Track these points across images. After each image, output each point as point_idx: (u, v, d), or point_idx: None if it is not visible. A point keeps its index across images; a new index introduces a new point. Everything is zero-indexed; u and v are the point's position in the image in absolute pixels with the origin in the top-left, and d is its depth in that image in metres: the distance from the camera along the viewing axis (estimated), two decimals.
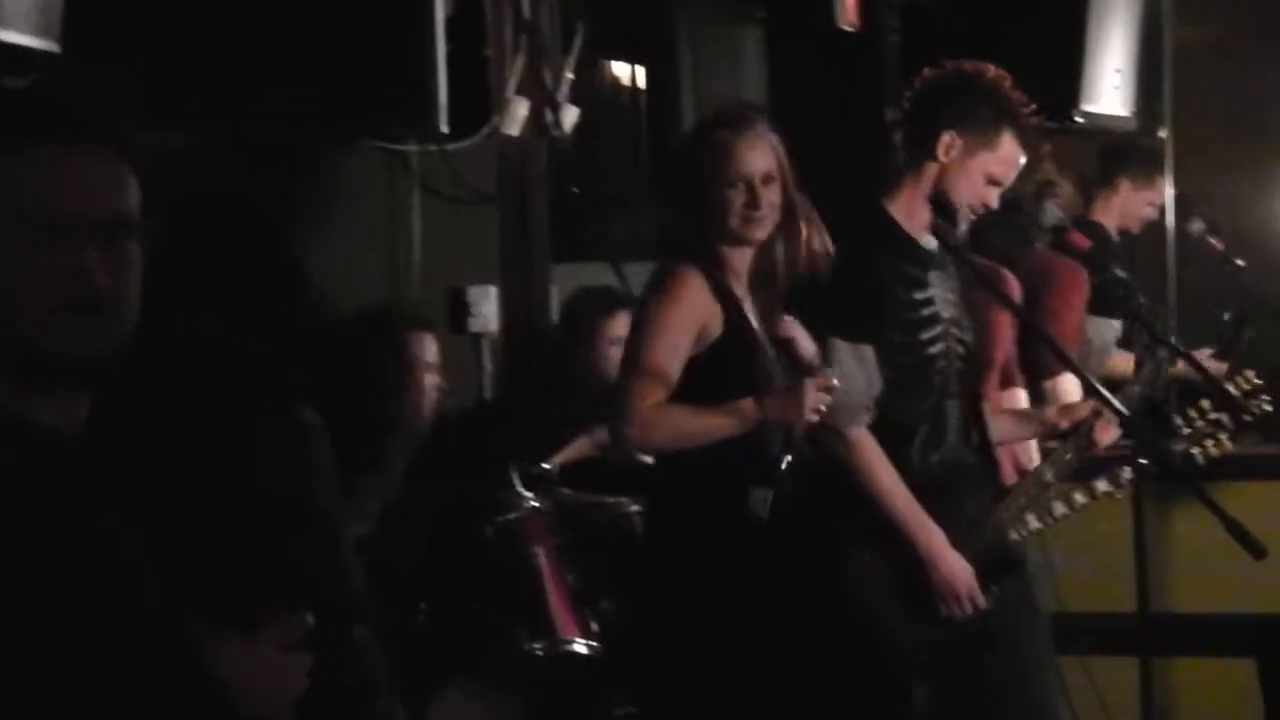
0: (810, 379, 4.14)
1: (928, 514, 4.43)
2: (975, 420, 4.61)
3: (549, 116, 6.06)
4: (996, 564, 4.58)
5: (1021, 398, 5.08)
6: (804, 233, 4.29)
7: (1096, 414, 4.64)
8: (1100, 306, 5.88)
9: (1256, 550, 3.72)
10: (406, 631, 4.82)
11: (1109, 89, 6.46)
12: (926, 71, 4.64)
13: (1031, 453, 4.97)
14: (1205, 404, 4.83)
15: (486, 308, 5.87)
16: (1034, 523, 4.70)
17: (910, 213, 4.52)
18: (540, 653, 4.86)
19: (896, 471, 4.41)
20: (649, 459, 4.58)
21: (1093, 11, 6.44)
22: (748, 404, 4.14)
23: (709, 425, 4.16)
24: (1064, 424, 4.73)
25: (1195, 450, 4.83)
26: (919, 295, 4.49)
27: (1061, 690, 4.80)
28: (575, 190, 6.27)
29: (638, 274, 4.92)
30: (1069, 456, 4.66)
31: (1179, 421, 4.88)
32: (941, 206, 4.48)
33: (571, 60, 6.21)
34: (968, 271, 4.58)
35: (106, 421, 2.40)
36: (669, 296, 4.22)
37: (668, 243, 4.40)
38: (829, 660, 4.41)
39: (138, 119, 4.59)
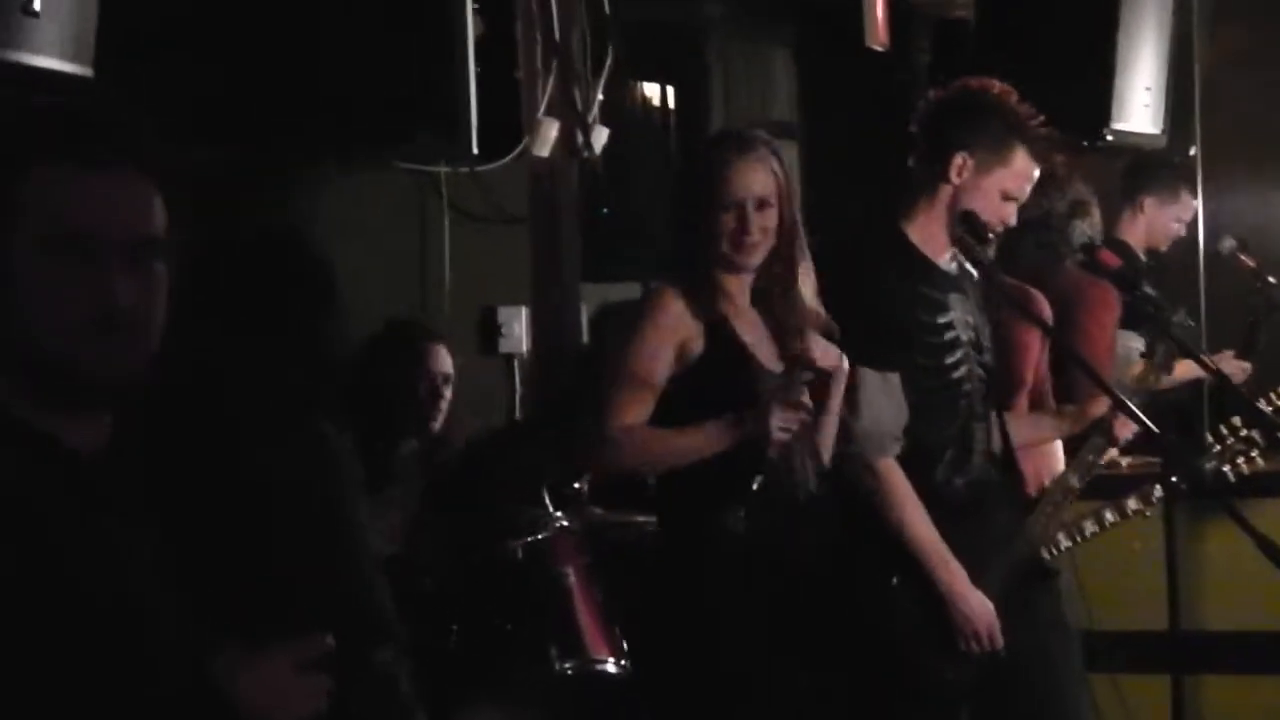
0: (779, 398, 4.09)
1: (956, 535, 4.43)
2: (1000, 434, 4.60)
3: (579, 137, 6.09)
4: (1031, 574, 4.58)
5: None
6: (798, 260, 4.24)
7: (1113, 411, 4.63)
8: (1127, 321, 5.87)
9: None
10: (437, 651, 4.83)
11: (1139, 107, 6.47)
12: (932, 93, 4.64)
13: (1057, 462, 4.95)
14: (1236, 421, 4.82)
15: (517, 328, 5.89)
16: (1065, 541, 4.70)
17: (928, 236, 4.50)
18: (571, 672, 4.87)
19: (923, 496, 4.41)
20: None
21: (1122, 30, 6.45)
22: (715, 424, 4.11)
23: (677, 446, 4.14)
24: (1079, 425, 4.74)
25: (1227, 467, 4.82)
26: (941, 319, 4.47)
27: (1092, 708, 4.80)
28: (605, 211, 6.29)
29: None
30: (1090, 458, 4.65)
31: (1210, 438, 4.87)
32: (971, 226, 4.47)
33: (602, 81, 6.23)
34: (997, 291, 4.57)
35: (137, 437, 2.42)
36: (644, 317, 4.19)
37: (663, 264, 4.39)
38: (845, 686, 4.40)
39: (168, 141, 4.64)
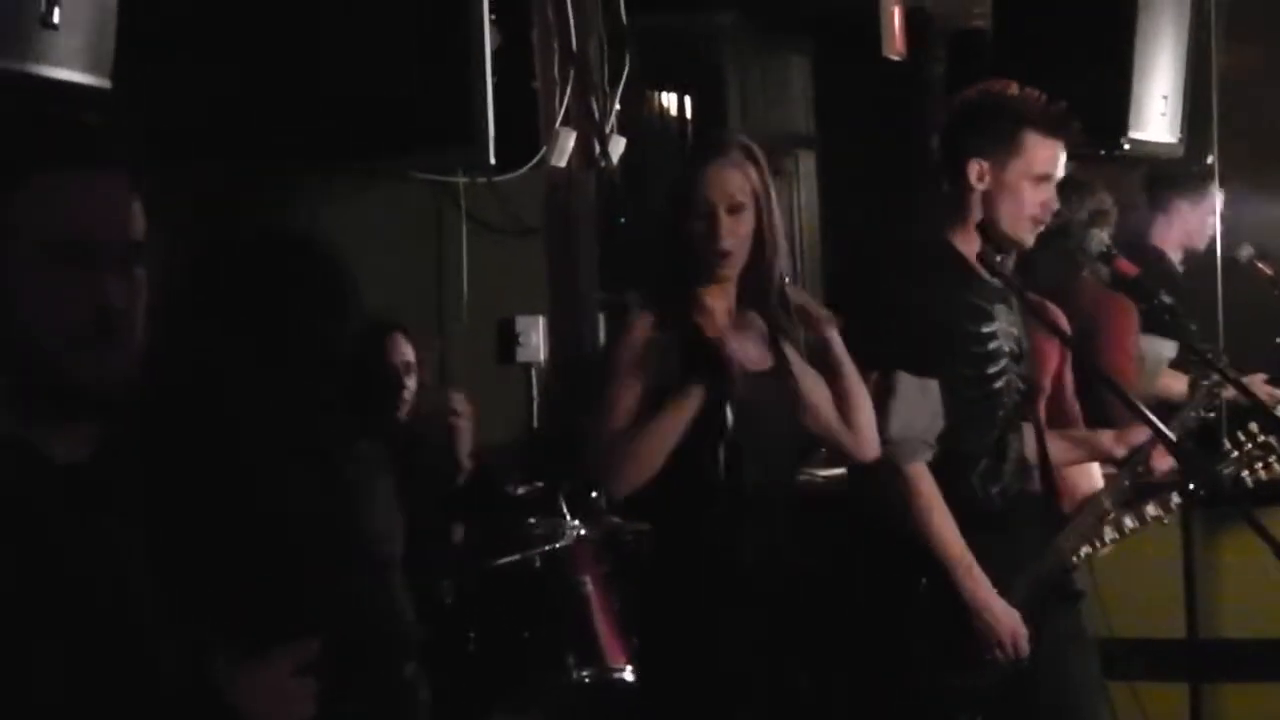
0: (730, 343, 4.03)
1: (987, 545, 4.44)
2: (1038, 448, 4.59)
3: (596, 147, 6.10)
4: (1057, 592, 4.57)
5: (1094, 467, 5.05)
6: (776, 267, 4.18)
7: (1154, 440, 4.64)
8: (1156, 327, 5.86)
9: None
10: (455, 659, 4.84)
11: (1156, 115, 6.46)
12: (946, 113, 4.67)
13: (1094, 478, 4.93)
14: (1254, 427, 4.81)
15: (535, 338, 5.90)
16: (1085, 548, 4.70)
17: (972, 246, 4.51)
18: (588, 680, 4.87)
19: (955, 503, 4.40)
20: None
21: (1139, 38, 6.44)
22: (679, 388, 4.04)
23: (657, 425, 4.05)
24: (1120, 450, 4.72)
25: (1245, 474, 4.81)
26: (985, 329, 4.47)
27: (1111, 716, 4.79)
28: (623, 220, 6.29)
29: None
30: (1126, 483, 4.65)
31: (1228, 445, 4.86)
32: (987, 235, 4.48)
33: (619, 91, 6.24)
34: (1017, 301, 4.56)
35: (130, 444, 2.43)
36: (616, 342, 4.18)
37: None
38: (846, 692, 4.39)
39: (186, 151, 4.65)
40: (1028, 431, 4.60)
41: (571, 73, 6.09)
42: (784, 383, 4.18)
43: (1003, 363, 4.50)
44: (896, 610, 4.46)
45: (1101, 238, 5.15)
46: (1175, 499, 4.73)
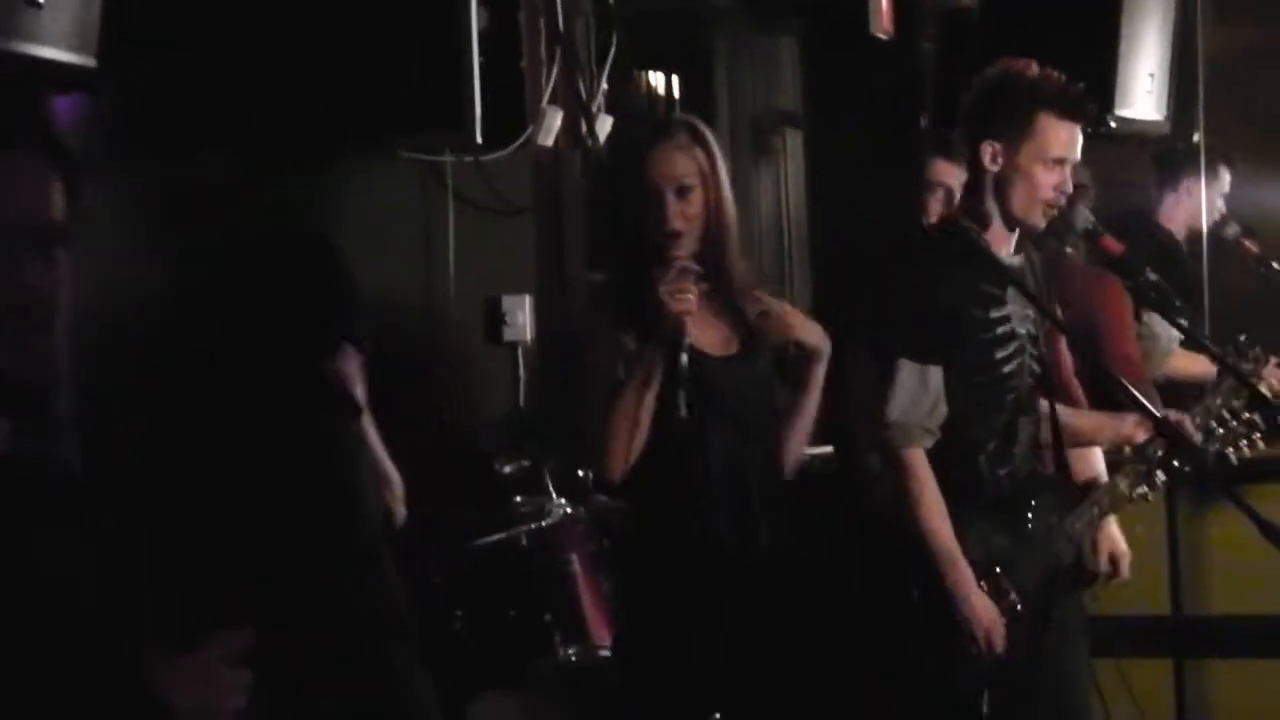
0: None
1: (993, 527, 4.46)
2: (1052, 429, 4.60)
3: (583, 127, 6.09)
4: (1068, 576, 4.58)
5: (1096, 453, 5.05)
6: (729, 247, 4.16)
7: (1178, 424, 4.64)
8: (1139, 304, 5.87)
9: None
10: (443, 638, 4.85)
11: (1142, 93, 6.47)
12: (964, 93, 4.62)
13: (1095, 463, 4.92)
14: (1238, 404, 4.82)
15: (521, 317, 5.90)
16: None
17: (990, 228, 4.49)
18: (575, 659, 4.89)
19: (964, 487, 4.42)
20: None
21: (1126, 16, 6.45)
22: (631, 355, 4.04)
23: (620, 404, 4.02)
24: (1141, 434, 4.71)
25: (1229, 450, 4.82)
26: (995, 314, 4.45)
27: (1096, 692, 4.81)
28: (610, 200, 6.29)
29: None
30: (1144, 468, 4.64)
31: (1212, 422, 4.87)
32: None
33: (606, 70, 6.24)
34: (1019, 291, 4.52)
35: (64, 437, 2.40)
36: (587, 349, 4.19)
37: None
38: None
39: (175, 137, 4.66)
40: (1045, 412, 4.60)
41: (558, 52, 6.08)
42: (752, 366, 4.21)
43: (1013, 347, 4.48)
44: (890, 595, 4.47)
45: (1087, 215, 5.15)
46: (1160, 477, 4.73)
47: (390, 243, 5.74)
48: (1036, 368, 4.54)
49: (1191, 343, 4.96)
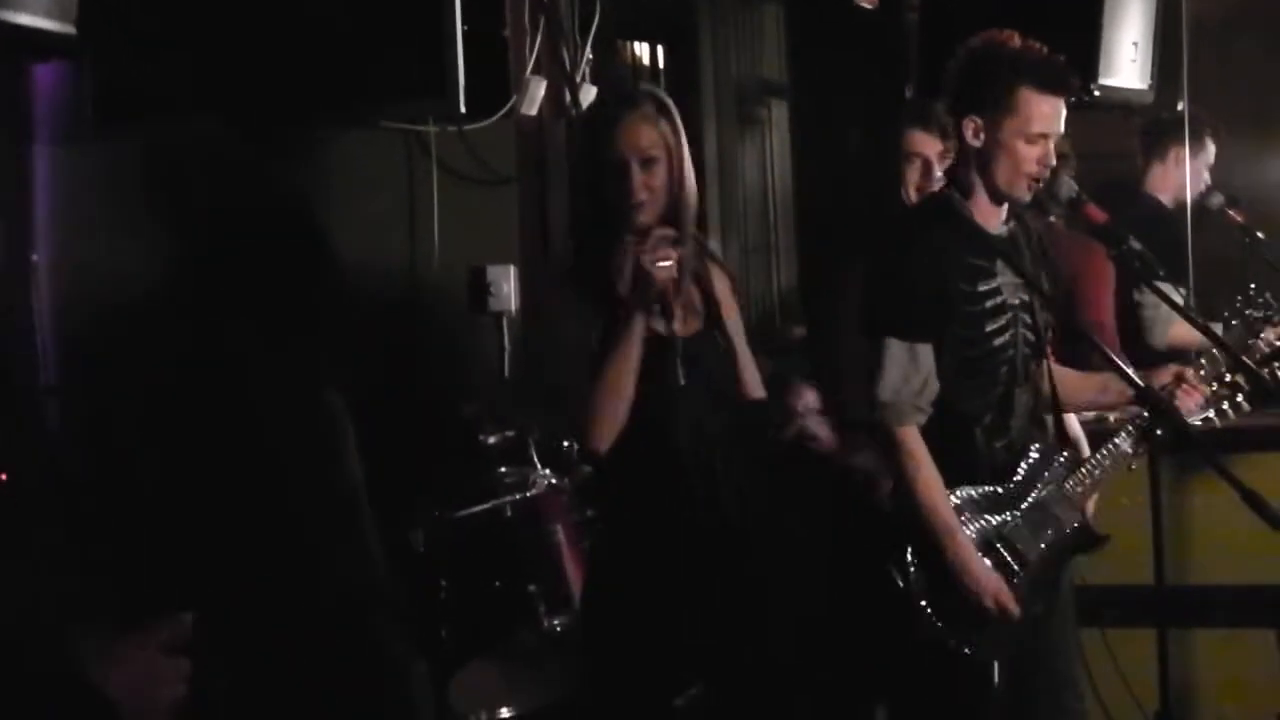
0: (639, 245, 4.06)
1: (992, 500, 4.47)
2: (1050, 396, 4.59)
3: (567, 96, 6.08)
4: (1078, 539, 4.59)
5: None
6: (688, 216, 4.17)
7: (1178, 380, 4.64)
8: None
9: (1274, 521, 3.69)
10: (427, 609, 4.85)
11: (1126, 62, 6.44)
12: (947, 64, 4.59)
13: (1073, 424, 4.93)
14: (1221, 367, 4.83)
15: (506, 287, 5.89)
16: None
17: (975, 202, 4.48)
18: (559, 629, 4.89)
19: (961, 461, 4.43)
20: None
21: None
22: (621, 323, 4.06)
23: (608, 371, 4.04)
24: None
25: (1213, 414, 4.83)
26: (984, 286, 4.45)
27: (1081, 661, 4.82)
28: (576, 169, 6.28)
29: None
30: (1147, 427, 4.63)
31: (1213, 384, 4.87)
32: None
33: (590, 40, 6.22)
34: (1007, 264, 4.51)
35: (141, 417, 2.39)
36: (559, 319, 4.19)
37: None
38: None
39: (158, 104, 4.63)
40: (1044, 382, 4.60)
41: (542, 21, 6.06)
42: (714, 340, 4.22)
43: (1004, 319, 4.47)
44: (875, 572, 4.48)
45: (1070, 184, 5.14)
46: (1143, 445, 4.74)
47: (374, 212, 5.73)
48: (1031, 336, 4.54)
49: (1177, 311, 4.96)
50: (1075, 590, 4.79)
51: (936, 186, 4.92)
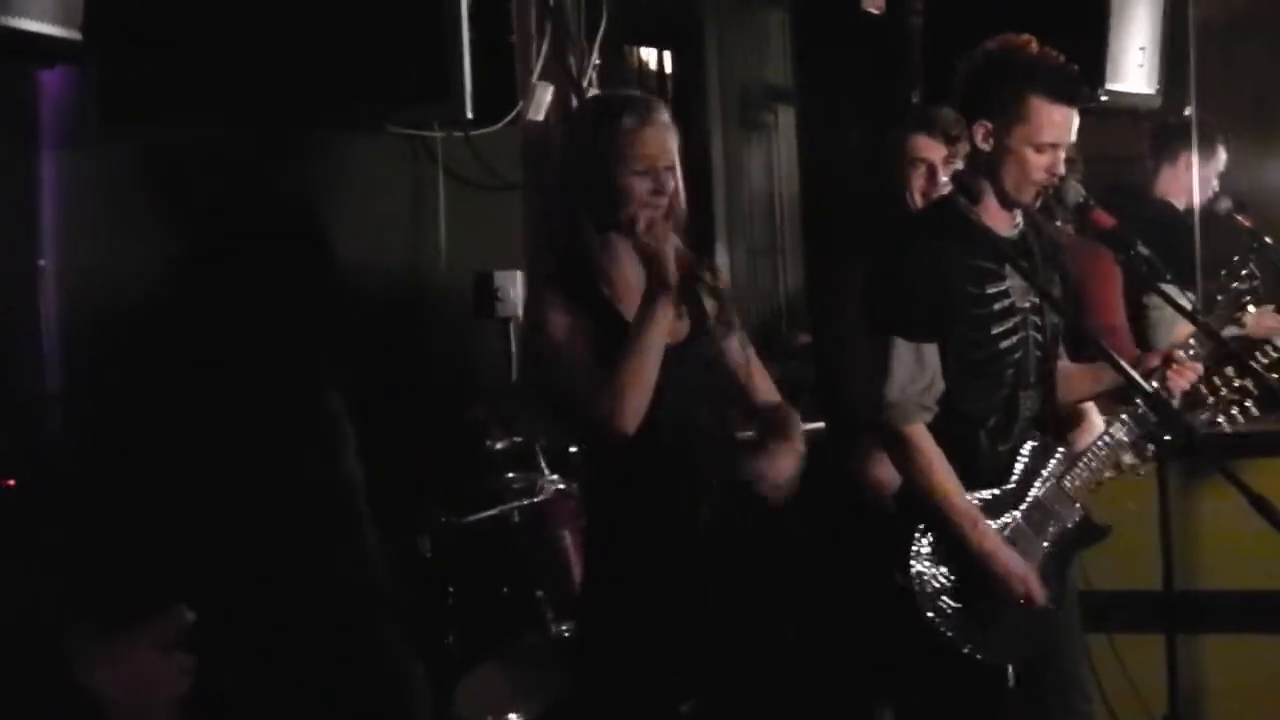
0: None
1: (991, 503, 4.46)
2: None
3: (574, 102, 6.08)
4: (1084, 536, 4.59)
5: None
6: (683, 226, 4.17)
7: (1168, 361, 4.63)
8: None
9: None
10: (435, 614, 4.85)
11: (1133, 67, 6.44)
12: (960, 67, 4.58)
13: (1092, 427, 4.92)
14: (1229, 371, 4.82)
15: (513, 292, 5.89)
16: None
17: (985, 205, 4.46)
18: (567, 635, 4.89)
19: (965, 462, 4.41)
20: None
21: None
22: (645, 303, 4.04)
23: (632, 350, 4.00)
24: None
25: (1220, 418, 4.82)
26: (993, 289, 4.43)
27: (1089, 665, 4.82)
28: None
29: None
30: (1142, 411, 4.62)
31: (1203, 390, 4.86)
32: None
33: (596, 45, 6.22)
34: (1015, 269, 4.50)
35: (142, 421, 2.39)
36: (547, 322, 4.14)
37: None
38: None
39: (164, 106, 4.63)
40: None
41: (549, 26, 6.07)
42: (701, 348, 4.21)
43: (1013, 322, 4.46)
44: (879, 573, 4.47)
45: (1078, 189, 5.14)
46: (1150, 449, 4.73)
47: (381, 217, 5.73)
48: (1041, 339, 4.53)
49: (1185, 316, 4.96)
50: (1081, 593, 4.78)
51: (942, 191, 4.91)
